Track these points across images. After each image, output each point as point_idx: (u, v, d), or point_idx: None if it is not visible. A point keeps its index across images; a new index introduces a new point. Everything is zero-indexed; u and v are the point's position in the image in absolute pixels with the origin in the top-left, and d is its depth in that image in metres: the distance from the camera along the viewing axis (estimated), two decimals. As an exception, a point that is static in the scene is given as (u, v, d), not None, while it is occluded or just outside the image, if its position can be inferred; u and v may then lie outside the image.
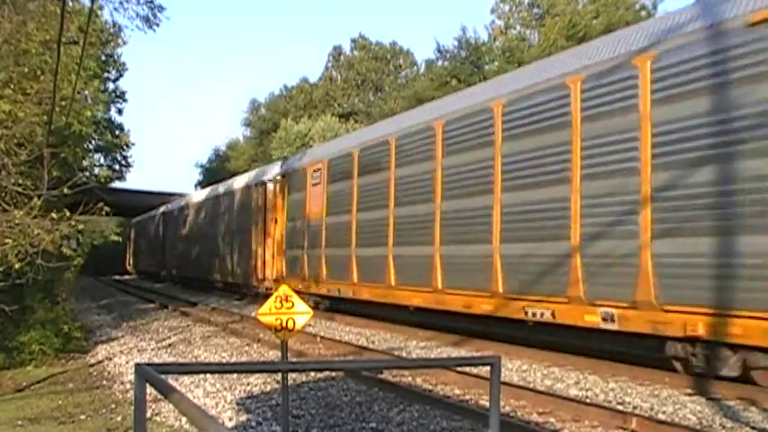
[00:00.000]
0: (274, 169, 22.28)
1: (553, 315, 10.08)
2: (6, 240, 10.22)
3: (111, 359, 12.00)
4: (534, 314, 10.44)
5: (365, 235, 15.38)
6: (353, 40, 55.62)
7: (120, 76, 35.79)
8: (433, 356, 11.27)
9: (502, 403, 4.91)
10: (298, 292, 18.15)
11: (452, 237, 12.38)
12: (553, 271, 10.00)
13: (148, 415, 6.69)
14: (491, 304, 11.36)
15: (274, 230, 20.94)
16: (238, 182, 26.58)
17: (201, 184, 55.06)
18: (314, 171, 18.34)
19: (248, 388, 8.80)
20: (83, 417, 7.92)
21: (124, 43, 27.80)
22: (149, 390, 2.44)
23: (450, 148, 12.68)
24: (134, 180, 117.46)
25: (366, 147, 15.80)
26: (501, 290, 11.01)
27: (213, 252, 28.13)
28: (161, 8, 15.13)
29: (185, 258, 33.23)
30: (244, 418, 7.36)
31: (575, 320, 9.72)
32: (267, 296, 20.97)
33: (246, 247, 23.53)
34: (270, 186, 21.77)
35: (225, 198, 27.27)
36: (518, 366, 10.07)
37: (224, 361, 11.28)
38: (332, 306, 18.16)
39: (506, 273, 10.97)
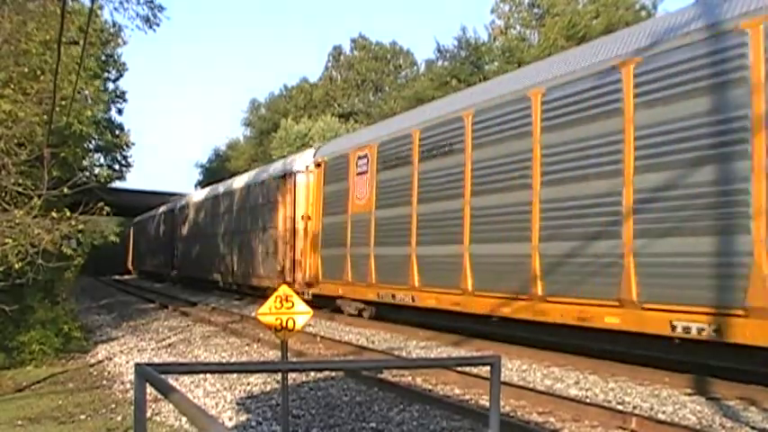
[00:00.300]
0: (305, 158, 19.81)
1: (719, 331, 7.79)
2: (6, 240, 10.22)
3: (111, 359, 12.00)
4: (688, 329, 8.15)
5: (430, 230, 13.08)
6: (353, 40, 55.63)
7: (120, 76, 35.81)
8: (433, 356, 11.27)
9: (502, 403, 4.91)
10: (338, 297, 16.15)
11: (552, 231, 10.18)
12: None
13: (148, 415, 6.70)
14: (618, 315, 9.12)
15: (306, 227, 18.80)
16: (260, 174, 24.10)
17: (201, 184, 55.05)
18: (359, 158, 16.07)
19: (248, 388, 8.80)
20: (83, 417, 7.92)
21: (124, 43, 27.82)
22: (149, 390, 2.44)
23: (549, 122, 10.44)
24: (134, 180, 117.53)
25: (431, 125, 13.40)
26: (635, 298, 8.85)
27: (231, 251, 25.82)
28: (161, 8, 15.17)
29: (198, 258, 30.72)
30: (244, 418, 7.36)
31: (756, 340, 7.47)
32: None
33: (272, 247, 21.23)
34: (300, 178, 19.35)
35: (244, 192, 24.77)
36: (518, 366, 10.07)
37: (224, 361, 11.28)
38: (381, 314, 16.16)
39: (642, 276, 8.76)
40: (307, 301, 18.13)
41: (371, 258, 15.09)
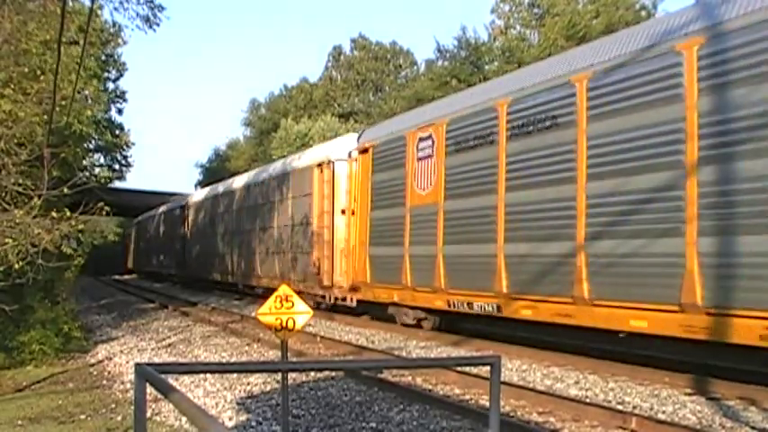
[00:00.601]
0: (347, 143, 17.26)
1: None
2: (6, 240, 10.22)
3: (111, 359, 12.00)
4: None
5: (528, 223, 10.68)
6: (353, 40, 55.61)
7: (121, 76, 35.81)
8: (433, 356, 11.27)
9: (502, 403, 4.91)
10: (391, 304, 14.41)
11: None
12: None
13: (148, 415, 6.70)
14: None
15: (349, 223, 16.35)
16: (289, 164, 21.10)
17: (201, 184, 55.05)
18: (420, 140, 13.51)
19: (248, 388, 8.80)
20: (83, 416, 7.93)
21: (124, 43, 27.84)
22: (149, 390, 2.44)
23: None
24: (134, 180, 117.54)
25: (527, 94, 10.97)
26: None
27: (252, 252, 23.11)
28: (161, 8, 15.10)
29: (213, 258, 27.67)
30: (244, 417, 7.36)
31: None
32: (341, 309, 16.89)
33: (305, 246, 18.56)
34: (340, 167, 16.95)
35: (270, 185, 21.88)
36: (518, 366, 10.07)
37: (224, 361, 11.28)
38: (449, 325, 13.94)
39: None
40: (348, 308, 15.50)
41: (439, 259, 12.59)
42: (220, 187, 28.77)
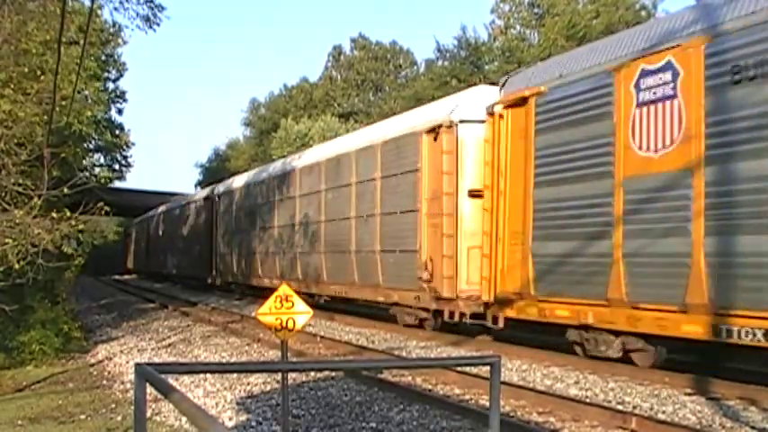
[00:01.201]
0: (476, 97, 12.79)
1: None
2: (6, 240, 10.23)
3: (111, 359, 12.01)
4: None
5: None
6: (353, 40, 55.63)
7: (121, 76, 35.76)
8: (433, 356, 11.26)
9: (502, 403, 4.91)
10: (579, 327, 9.95)
11: None
12: None
13: (148, 415, 6.70)
14: None
15: (487, 207, 11.61)
16: (378, 133, 16.10)
17: (201, 184, 55.05)
18: (643, 74, 9.03)
19: (248, 388, 8.80)
20: (83, 416, 7.93)
21: (124, 43, 27.80)
22: (149, 390, 2.44)
23: None
24: (134, 180, 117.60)
25: None
26: None
27: (317, 251, 17.95)
28: (161, 8, 15.10)
29: (253, 259, 22.83)
30: (244, 418, 7.36)
31: None
32: (448, 327, 13.01)
33: (408, 241, 13.73)
34: (467, 131, 12.46)
35: (355, 160, 16.28)
36: (518, 366, 10.07)
37: (224, 361, 11.28)
38: (704, 362, 9.58)
39: None
40: (485, 329, 12.44)
41: (698, 258, 8.14)
42: (266, 173, 23.07)
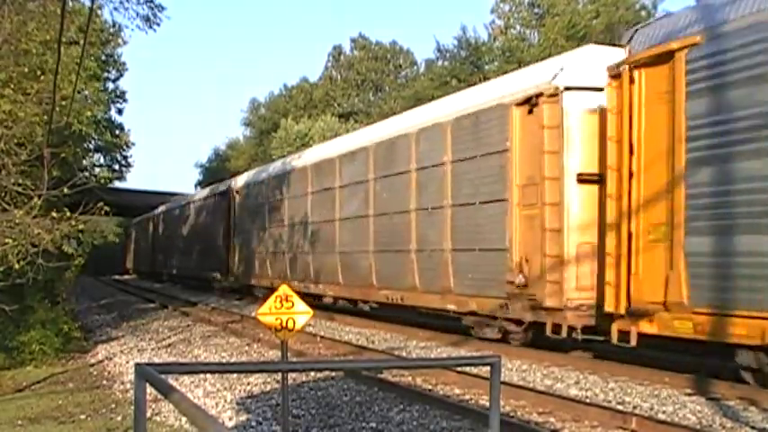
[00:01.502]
0: (590, 57, 10.65)
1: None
2: (6, 240, 10.23)
3: (111, 359, 12.01)
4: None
5: None
6: (353, 40, 55.62)
7: (121, 76, 35.68)
8: (433, 356, 11.26)
9: (502, 403, 4.91)
10: (763, 349, 7.17)
11: None
12: None
13: (148, 415, 6.69)
14: None
15: (616, 194, 9.02)
16: (446, 108, 13.55)
17: (201, 184, 55.05)
18: None
19: (248, 388, 8.80)
20: (83, 416, 7.93)
21: (124, 43, 27.76)
22: (149, 390, 2.44)
23: None
24: (134, 180, 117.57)
25: None
26: None
27: (368, 249, 15.37)
28: (161, 8, 15.11)
29: (282, 260, 20.23)
30: (244, 418, 7.36)
31: None
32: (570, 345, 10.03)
33: (492, 237, 11.40)
34: (573, 102, 10.13)
35: (416, 141, 13.76)
36: (518, 366, 10.07)
37: (224, 361, 11.28)
38: None
39: None
40: (608, 349, 9.68)
41: None
42: (306, 157, 20.22)
